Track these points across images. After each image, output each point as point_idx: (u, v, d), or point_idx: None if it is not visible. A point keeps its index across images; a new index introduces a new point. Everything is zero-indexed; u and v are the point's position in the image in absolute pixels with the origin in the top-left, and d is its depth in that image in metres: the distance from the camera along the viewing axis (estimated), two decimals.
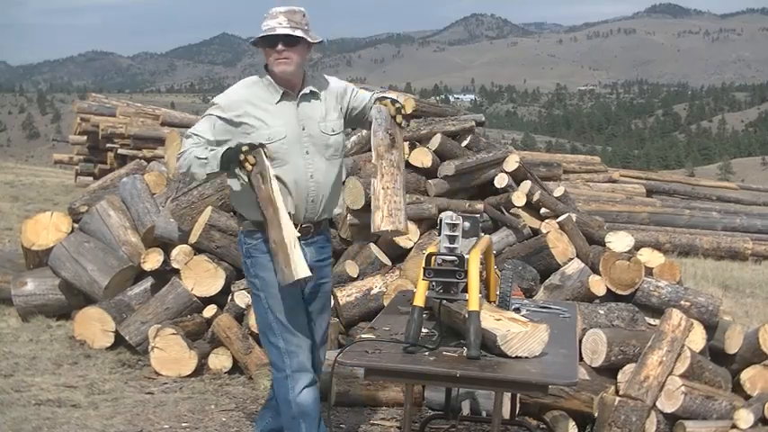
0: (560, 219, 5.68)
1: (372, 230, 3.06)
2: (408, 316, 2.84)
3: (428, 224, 5.62)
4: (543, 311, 3.51)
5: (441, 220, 2.82)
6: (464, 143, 6.12)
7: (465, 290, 2.79)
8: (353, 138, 5.95)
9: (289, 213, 3.09)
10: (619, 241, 5.63)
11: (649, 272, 5.57)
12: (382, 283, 5.27)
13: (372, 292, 5.26)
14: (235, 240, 5.44)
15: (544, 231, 5.66)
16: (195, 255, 5.41)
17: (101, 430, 4.14)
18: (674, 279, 5.62)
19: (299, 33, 3.13)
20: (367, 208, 5.51)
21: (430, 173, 5.89)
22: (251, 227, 3.23)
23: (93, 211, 6.23)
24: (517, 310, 3.31)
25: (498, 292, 3.25)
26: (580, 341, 4.79)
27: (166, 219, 5.69)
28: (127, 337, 5.32)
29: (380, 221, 3.02)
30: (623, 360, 4.83)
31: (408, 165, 5.85)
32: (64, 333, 5.66)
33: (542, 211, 5.94)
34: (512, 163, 6.04)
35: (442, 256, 2.78)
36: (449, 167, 5.86)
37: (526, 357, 2.73)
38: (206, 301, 5.38)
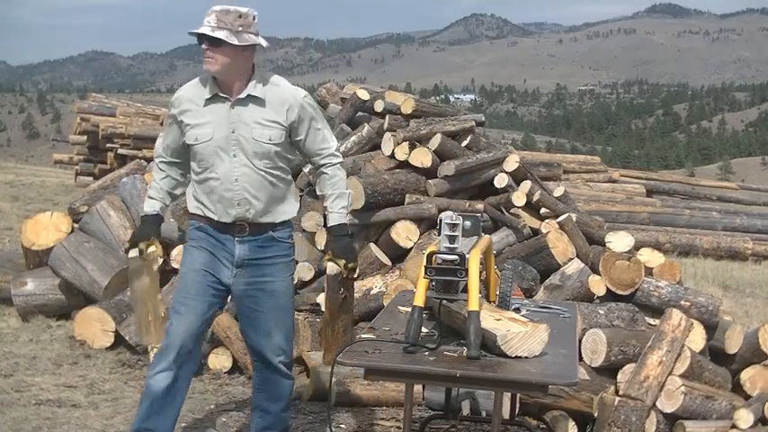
0: (560, 219, 5.68)
1: None
2: (408, 316, 2.83)
3: (428, 224, 5.62)
4: (543, 311, 3.51)
5: (440, 220, 2.82)
6: (464, 143, 6.12)
7: (465, 290, 2.78)
8: (353, 138, 5.95)
9: (211, 215, 3.23)
10: (619, 241, 5.63)
11: (649, 272, 5.57)
12: (382, 283, 5.27)
13: (372, 292, 5.26)
14: None
15: (544, 231, 5.66)
16: None
17: (101, 430, 4.13)
18: (674, 279, 5.62)
19: (219, 35, 3.07)
20: (367, 208, 5.52)
21: (430, 173, 5.89)
22: (191, 215, 3.34)
23: (93, 211, 6.23)
24: (517, 310, 3.31)
25: (498, 292, 3.25)
26: (580, 341, 4.80)
27: (166, 219, 5.68)
28: (127, 337, 5.32)
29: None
30: (623, 360, 4.83)
31: (408, 165, 5.86)
32: (64, 333, 5.65)
33: (542, 211, 5.94)
34: (512, 163, 6.04)
35: (443, 255, 2.78)
36: (449, 167, 5.86)
37: (526, 357, 2.73)
38: None
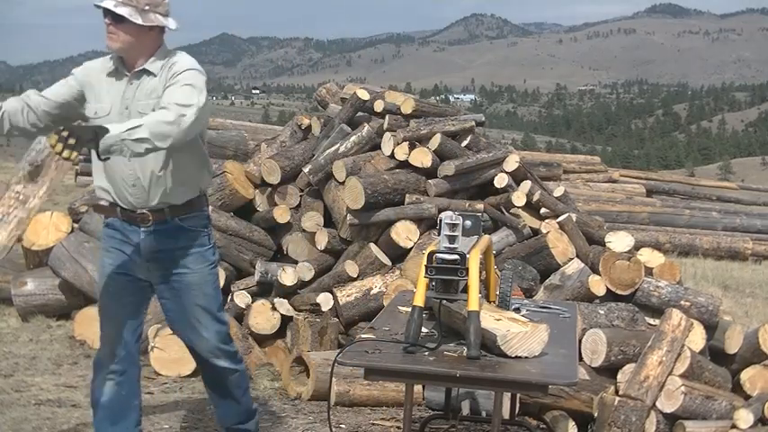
0: (560, 219, 5.69)
1: None
2: (408, 316, 2.83)
3: (428, 224, 5.62)
4: (543, 311, 3.51)
5: (440, 220, 2.82)
6: (464, 143, 6.12)
7: (465, 290, 2.78)
8: (353, 138, 5.95)
9: (110, 198, 3.11)
10: (619, 241, 5.63)
11: (649, 272, 5.57)
12: (382, 283, 5.27)
13: (372, 292, 5.26)
14: (235, 240, 5.46)
15: (544, 231, 5.66)
16: None
17: None
18: (674, 279, 5.62)
19: (122, 11, 2.91)
20: (367, 208, 5.52)
21: (430, 173, 5.89)
22: (100, 210, 3.23)
23: (93, 211, 6.23)
24: (517, 310, 3.31)
25: (498, 292, 3.25)
26: (580, 341, 4.80)
27: None
28: None
29: None
30: (623, 360, 4.83)
31: (408, 165, 5.86)
32: (64, 333, 5.65)
33: (542, 211, 5.94)
34: (512, 163, 6.04)
35: (443, 255, 2.78)
36: (449, 167, 5.86)
37: (526, 357, 2.73)
38: None
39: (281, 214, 5.68)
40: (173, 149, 2.88)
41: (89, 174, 12.53)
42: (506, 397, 3.93)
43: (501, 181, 5.98)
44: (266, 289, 5.45)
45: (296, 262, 5.57)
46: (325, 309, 5.19)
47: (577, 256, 5.50)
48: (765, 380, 5.05)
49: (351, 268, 5.40)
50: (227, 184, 5.54)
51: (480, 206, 5.85)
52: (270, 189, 5.88)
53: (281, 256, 5.79)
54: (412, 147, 5.85)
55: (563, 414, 4.45)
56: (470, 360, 2.69)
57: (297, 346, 4.98)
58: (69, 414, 4.30)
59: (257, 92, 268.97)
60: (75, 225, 6.27)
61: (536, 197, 5.88)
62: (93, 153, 2.75)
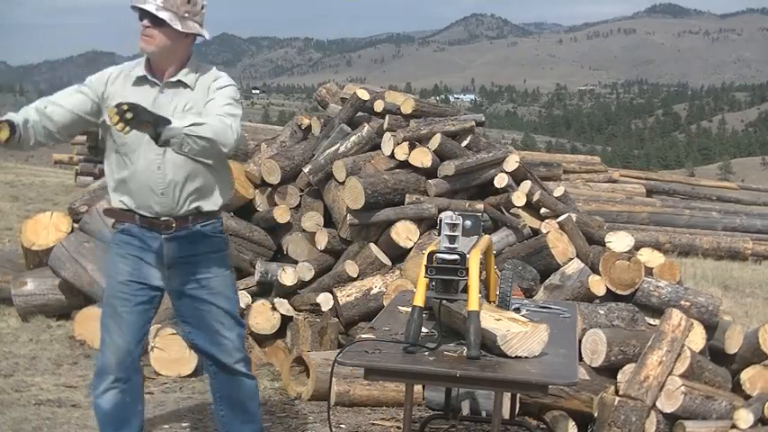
0: (560, 219, 5.68)
1: None
2: (408, 316, 2.83)
3: (428, 224, 5.62)
4: (543, 311, 3.51)
5: (440, 220, 2.82)
6: (464, 143, 6.12)
7: (465, 290, 2.78)
8: (353, 138, 5.95)
9: (134, 208, 3.06)
10: (619, 241, 5.63)
11: (649, 272, 5.57)
12: (382, 283, 5.27)
13: (372, 292, 5.26)
14: (235, 241, 5.45)
15: (544, 231, 5.66)
16: None
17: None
18: (674, 279, 5.62)
19: (163, 15, 2.91)
20: (367, 208, 5.52)
21: (430, 173, 5.89)
22: (112, 215, 3.15)
23: (93, 211, 6.23)
24: (517, 310, 3.31)
25: (498, 292, 3.25)
26: (580, 341, 4.80)
27: None
28: None
29: None
30: (623, 360, 4.83)
31: (408, 165, 5.86)
32: (64, 333, 5.65)
33: (542, 211, 5.94)
34: (512, 163, 6.04)
35: (443, 255, 2.78)
36: (449, 167, 5.86)
37: (526, 357, 2.73)
38: None
39: (281, 214, 5.68)
40: (213, 158, 2.97)
41: (89, 174, 12.54)
42: (506, 397, 3.93)
43: (501, 181, 5.98)
44: (266, 289, 5.45)
45: (296, 262, 5.57)
46: (325, 309, 5.19)
47: (577, 256, 5.50)
48: (765, 380, 5.05)
49: (351, 268, 5.40)
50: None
51: (480, 206, 5.85)
52: (270, 189, 5.88)
53: (281, 256, 5.79)
54: (412, 147, 5.85)
55: (563, 414, 4.45)
56: (470, 360, 2.69)
57: (297, 346, 4.98)
58: (69, 414, 4.30)
59: (257, 92, 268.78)
60: (75, 225, 6.27)
61: (536, 197, 5.88)
62: (115, 158, 2.92)
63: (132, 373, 3.19)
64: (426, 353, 2.77)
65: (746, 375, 5.08)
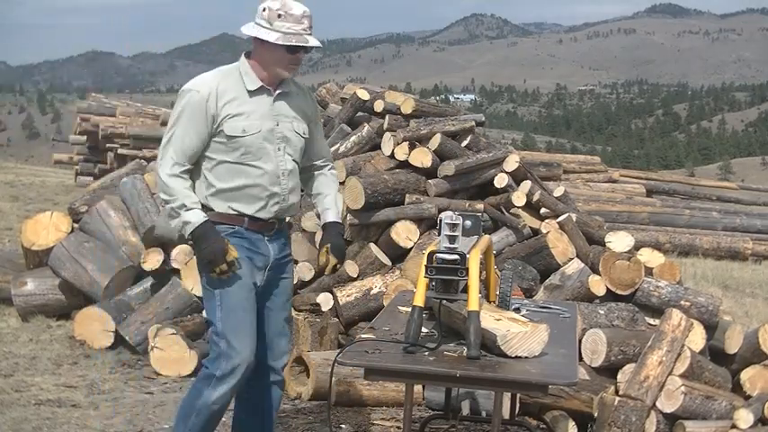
0: (560, 219, 5.68)
1: None
2: (408, 316, 2.83)
3: (428, 224, 5.62)
4: (543, 311, 3.51)
5: (440, 220, 2.82)
6: (464, 143, 6.12)
7: (465, 290, 2.78)
8: (353, 138, 5.95)
9: (248, 212, 3.11)
10: (619, 241, 5.63)
11: (649, 272, 5.57)
12: (382, 283, 5.27)
13: (372, 292, 5.26)
14: None
15: (544, 231, 5.66)
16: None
17: (101, 430, 4.14)
18: (674, 279, 5.62)
19: (316, 42, 3.09)
20: (367, 208, 5.52)
21: (430, 173, 5.89)
22: (216, 219, 3.11)
23: (93, 211, 6.23)
24: (517, 310, 3.31)
25: (498, 292, 3.25)
26: (580, 341, 4.80)
27: (166, 219, 5.68)
28: (127, 337, 5.32)
29: None
30: (623, 360, 4.83)
31: (408, 165, 5.86)
32: (64, 333, 5.65)
33: (542, 211, 5.94)
34: (512, 163, 6.04)
35: (443, 255, 2.78)
36: (449, 167, 5.86)
37: (526, 357, 2.73)
38: None
39: None
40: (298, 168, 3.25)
41: (89, 174, 12.57)
42: (506, 397, 3.93)
43: (501, 181, 5.98)
44: None
45: (296, 262, 5.57)
46: (325, 309, 5.19)
47: (577, 256, 5.50)
48: (765, 380, 5.05)
49: (351, 268, 5.40)
50: None
51: (480, 206, 5.85)
52: None
53: None
54: (412, 147, 5.85)
55: (563, 414, 4.45)
56: (470, 360, 2.69)
57: (297, 346, 4.98)
58: (69, 414, 4.30)
59: None
60: (75, 225, 6.27)
61: (536, 197, 5.88)
62: (226, 168, 3.09)
63: (278, 362, 3.28)
64: (426, 353, 2.77)
65: (746, 375, 5.08)
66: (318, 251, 3.30)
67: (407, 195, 5.68)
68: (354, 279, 5.39)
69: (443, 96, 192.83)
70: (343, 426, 4.36)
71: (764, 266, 11.53)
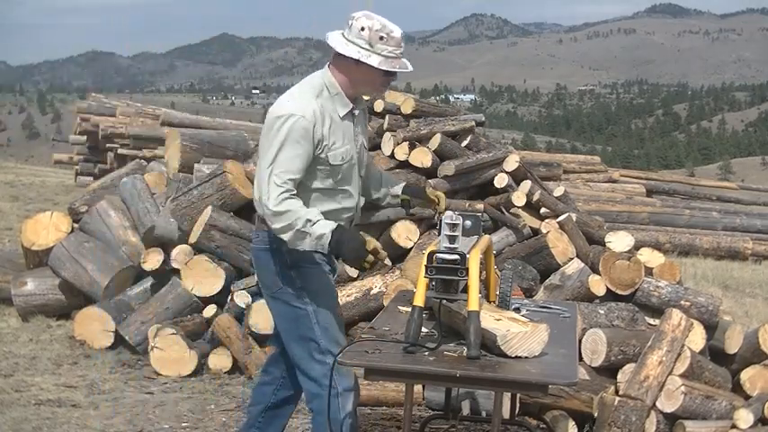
0: (560, 219, 5.68)
1: None
2: (408, 316, 2.83)
3: (428, 224, 5.62)
4: (543, 311, 3.51)
5: (441, 220, 2.82)
6: (464, 143, 6.12)
7: (465, 290, 2.78)
8: None
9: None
10: (619, 241, 5.63)
11: (649, 272, 5.57)
12: (382, 283, 5.27)
13: (372, 292, 5.26)
14: (235, 240, 5.45)
15: (544, 231, 5.66)
16: (195, 255, 5.41)
17: (101, 430, 4.14)
18: (674, 279, 5.62)
19: (411, 67, 3.08)
20: (367, 207, 5.51)
21: (430, 173, 5.89)
22: None
23: (93, 211, 6.23)
24: (517, 310, 3.31)
25: (498, 292, 3.25)
26: (580, 341, 4.80)
27: (166, 219, 5.69)
28: (127, 337, 5.32)
29: None
30: (623, 360, 4.83)
31: (408, 165, 5.86)
32: (64, 333, 5.66)
33: (542, 211, 5.94)
34: (512, 163, 6.04)
35: (443, 255, 2.78)
36: (449, 167, 5.86)
37: (526, 357, 2.73)
38: (206, 301, 5.38)
39: None
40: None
41: (89, 174, 12.58)
42: (506, 397, 3.93)
43: (501, 181, 5.98)
44: None
45: None
46: None
47: (577, 255, 5.50)
48: (765, 380, 5.05)
49: (351, 268, 5.40)
50: (227, 184, 5.54)
51: (480, 206, 5.85)
52: None
53: None
54: (412, 147, 5.85)
55: (563, 414, 4.45)
56: (470, 360, 2.69)
57: None
58: (69, 414, 4.31)
59: (257, 92, 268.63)
60: (75, 225, 6.27)
61: (536, 197, 5.88)
62: (322, 194, 3.04)
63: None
64: (426, 353, 2.77)
65: (746, 375, 5.08)
66: (429, 199, 3.31)
67: None
68: (354, 279, 5.39)
69: (443, 96, 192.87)
70: None
71: (764, 266, 11.53)
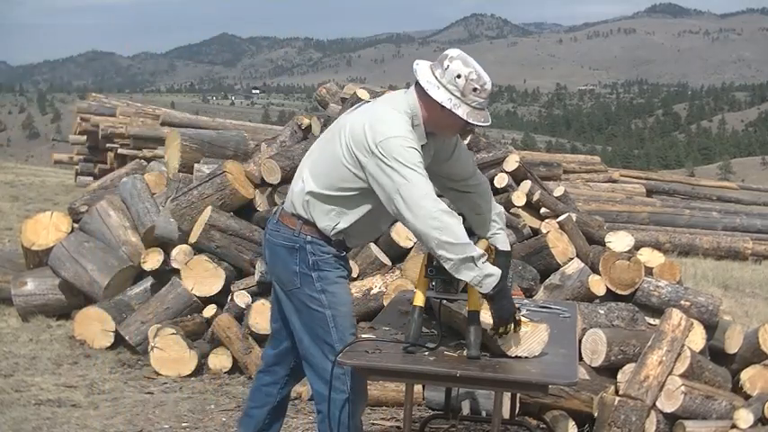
0: (560, 219, 5.68)
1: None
2: (408, 316, 2.84)
3: None
4: (543, 311, 3.51)
5: None
6: (464, 143, 6.11)
7: (465, 290, 2.79)
8: None
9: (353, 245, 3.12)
10: (619, 241, 5.63)
11: (649, 272, 5.56)
12: (382, 283, 5.27)
13: (372, 292, 5.25)
14: (235, 240, 5.45)
15: (544, 231, 5.66)
16: (195, 255, 5.41)
17: (101, 430, 4.14)
18: (674, 279, 5.62)
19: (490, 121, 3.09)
20: None
21: None
22: (319, 237, 2.98)
23: (93, 211, 6.23)
24: (517, 310, 3.31)
25: None
26: (580, 341, 4.79)
27: (166, 219, 5.69)
28: (127, 337, 5.32)
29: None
30: (623, 360, 4.82)
31: None
32: (64, 333, 5.66)
33: (542, 210, 5.94)
34: (512, 163, 6.04)
35: None
36: None
37: (526, 357, 2.73)
38: (206, 301, 5.38)
39: None
40: None
41: (89, 174, 12.57)
42: (506, 397, 3.93)
43: (501, 181, 5.98)
44: (266, 289, 5.44)
45: None
46: None
47: (577, 255, 5.50)
48: (765, 380, 5.05)
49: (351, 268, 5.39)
50: (227, 184, 5.54)
51: None
52: (270, 189, 5.87)
53: None
54: None
55: (563, 414, 4.44)
56: (470, 360, 2.69)
57: None
58: (69, 414, 4.31)
59: (257, 92, 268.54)
60: (75, 225, 6.27)
61: (536, 197, 5.88)
62: (364, 218, 2.99)
63: None
64: (426, 353, 2.77)
65: (746, 375, 5.08)
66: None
67: None
68: (354, 279, 5.38)
69: None
70: None
71: (764, 266, 11.53)
